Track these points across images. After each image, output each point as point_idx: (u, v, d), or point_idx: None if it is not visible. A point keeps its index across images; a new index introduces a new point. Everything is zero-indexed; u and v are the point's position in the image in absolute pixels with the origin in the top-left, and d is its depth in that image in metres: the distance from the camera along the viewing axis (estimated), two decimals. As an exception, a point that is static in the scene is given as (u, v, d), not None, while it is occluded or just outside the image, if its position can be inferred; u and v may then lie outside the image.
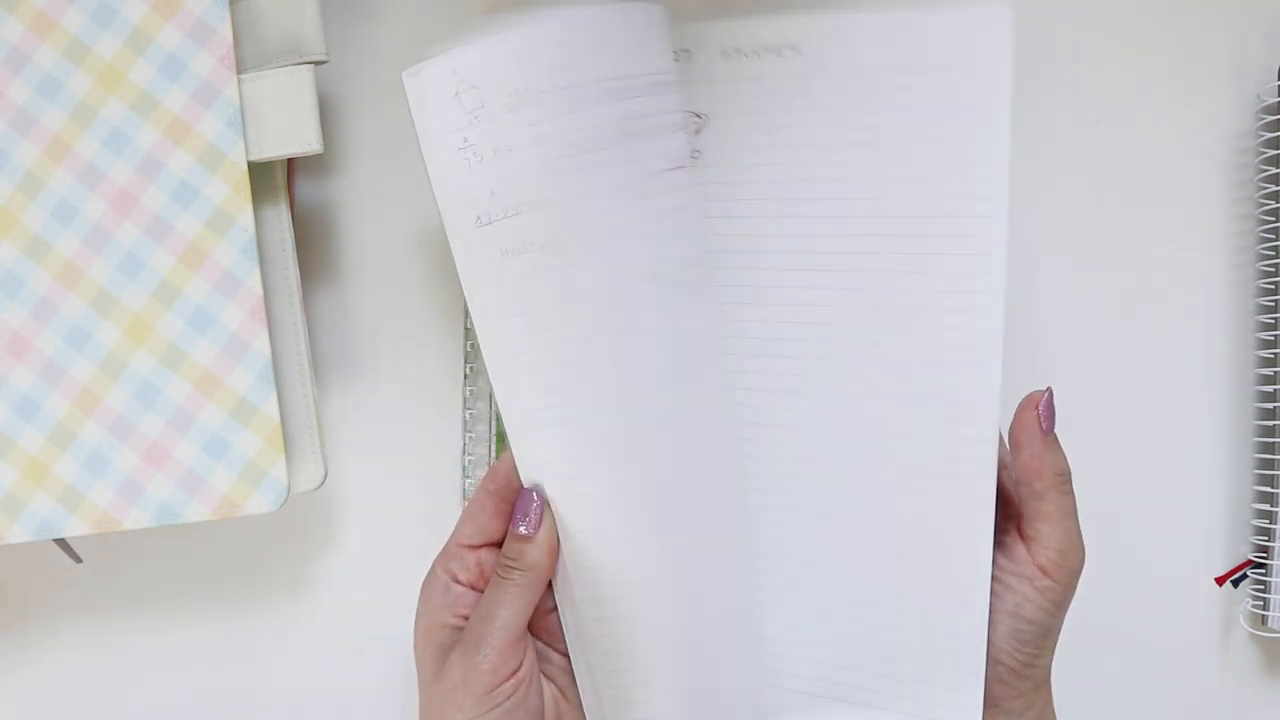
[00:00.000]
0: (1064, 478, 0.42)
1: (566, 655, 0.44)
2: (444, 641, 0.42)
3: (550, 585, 0.43)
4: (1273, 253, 0.49)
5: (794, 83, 0.46)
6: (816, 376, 0.46)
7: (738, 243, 0.47)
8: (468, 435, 0.50)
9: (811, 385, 0.46)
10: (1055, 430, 0.42)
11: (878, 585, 0.45)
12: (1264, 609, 0.49)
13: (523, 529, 0.41)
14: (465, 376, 0.50)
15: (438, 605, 0.43)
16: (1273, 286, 0.50)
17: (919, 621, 0.45)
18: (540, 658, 0.44)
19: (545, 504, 0.42)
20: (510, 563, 0.42)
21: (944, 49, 0.44)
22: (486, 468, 0.49)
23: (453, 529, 0.44)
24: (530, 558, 0.41)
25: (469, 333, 0.50)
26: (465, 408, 0.50)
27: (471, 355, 0.50)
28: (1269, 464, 0.49)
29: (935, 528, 0.44)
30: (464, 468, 0.50)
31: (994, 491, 0.43)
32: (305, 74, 0.43)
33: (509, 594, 0.41)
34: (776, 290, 0.46)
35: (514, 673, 0.41)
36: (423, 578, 0.50)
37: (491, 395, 0.49)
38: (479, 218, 0.42)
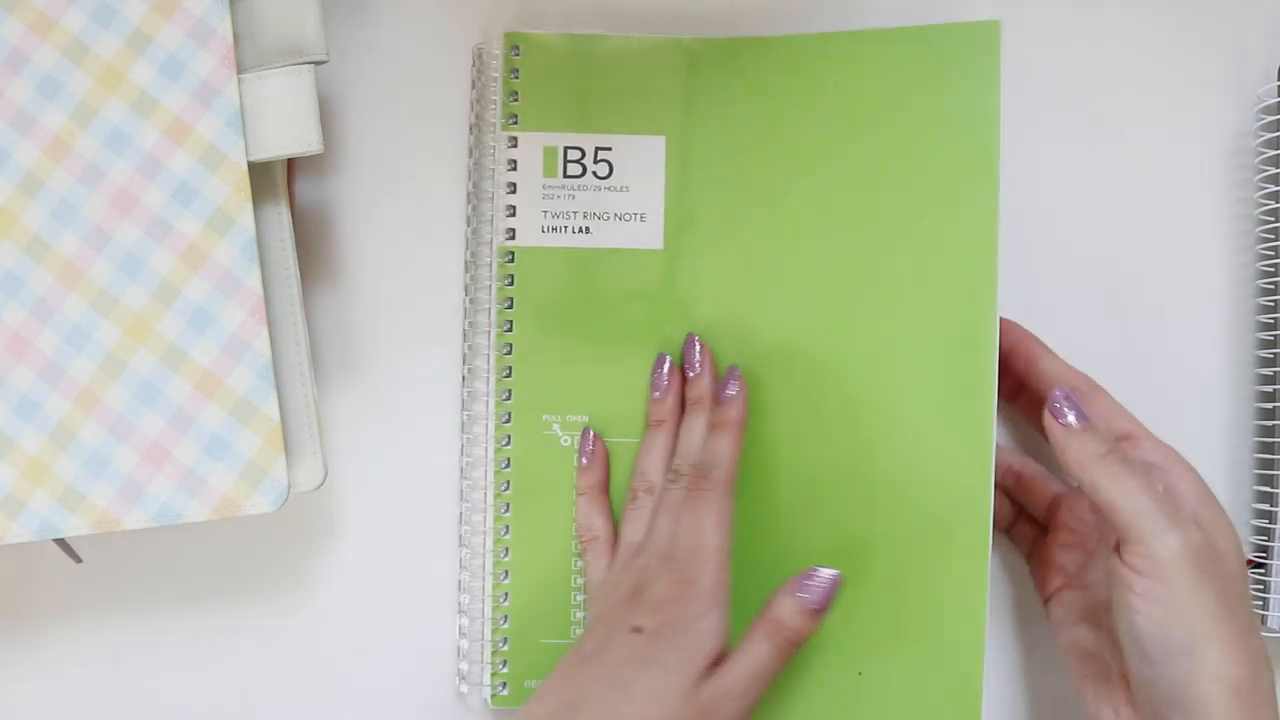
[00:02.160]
0: (1106, 457, 0.39)
1: None
2: None
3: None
4: (1273, 253, 0.49)
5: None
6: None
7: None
8: (466, 436, 0.50)
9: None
10: (1075, 420, 0.41)
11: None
12: (1264, 609, 0.49)
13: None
14: (464, 377, 0.50)
15: None
16: (1273, 286, 0.50)
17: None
18: None
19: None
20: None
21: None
22: (485, 468, 0.49)
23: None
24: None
25: (468, 333, 0.50)
26: (464, 408, 0.50)
27: (470, 355, 0.50)
28: (1269, 464, 0.49)
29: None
30: (462, 468, 0.50)
31: (991, 498, 0.43)
32: (305, 74, 0.43)
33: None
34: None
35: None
36: (421, 577, 0.50)
37: (492, 396, 0.49)
38: None
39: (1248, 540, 0.50)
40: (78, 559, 0.47)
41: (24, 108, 0.42)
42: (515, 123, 0.48)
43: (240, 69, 0.43)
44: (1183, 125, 0.51)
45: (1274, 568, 0.49)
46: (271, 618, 0.51)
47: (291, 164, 0.47)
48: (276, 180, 0.45)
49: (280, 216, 0.45)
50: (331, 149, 0.50)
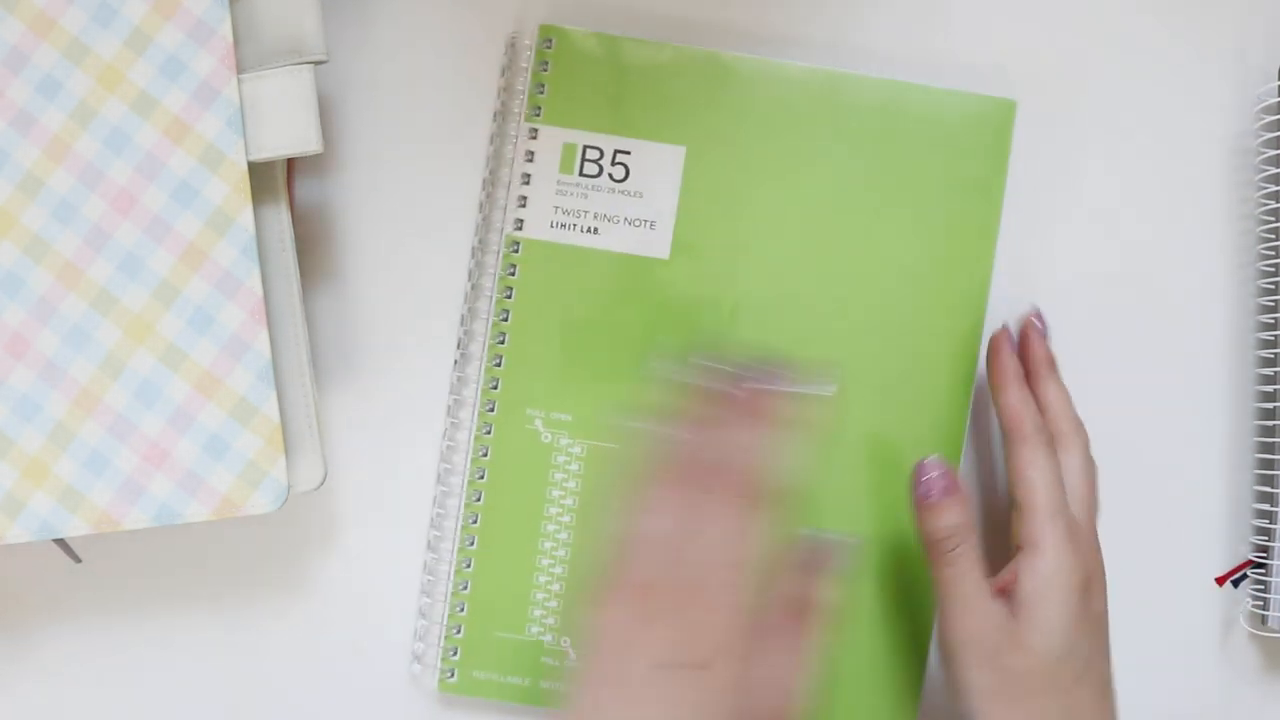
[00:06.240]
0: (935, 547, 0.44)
1: None
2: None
3: None
4: (1273, 253, 0.49)
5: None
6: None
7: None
8: (451, 420, 0.49)
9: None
10: (934, 497, 0.44)
11: None
12: (1264, 609, 0.49)
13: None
14: (456, 360, 0.50)
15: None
16: (1273, 286, 0.50)
17: None
18: None
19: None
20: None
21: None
22: (465, 453, 0.49)
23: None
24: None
25: (466, 318, 0.50)
26: (453, 391, 0.50)
27: (466, 340, 0.49)
28: (1269, 464, 0.49)
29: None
30: (443, 451, 0.50)
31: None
32: (305, 74, 0.43)
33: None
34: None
35: None
36: (421, 575, 0.49)
37: (480, 383, 0.49)
38: None
39: (1248, 540, 0.50)
40: (77, 559, 0.47)
41: (24, 108, 0.42)
42: (538, 115, 0.49)
43: (240, 69, 0.43)
44: (1183, 125, 0.51)
45: (1274, 568, 0.49)
46: (271, 618, 0.51)
47: (291, 164, 0.47)
48: (276, 180, 0.45)
49: (280, 216, 0.45)
50: (331, 149, 0.50)
